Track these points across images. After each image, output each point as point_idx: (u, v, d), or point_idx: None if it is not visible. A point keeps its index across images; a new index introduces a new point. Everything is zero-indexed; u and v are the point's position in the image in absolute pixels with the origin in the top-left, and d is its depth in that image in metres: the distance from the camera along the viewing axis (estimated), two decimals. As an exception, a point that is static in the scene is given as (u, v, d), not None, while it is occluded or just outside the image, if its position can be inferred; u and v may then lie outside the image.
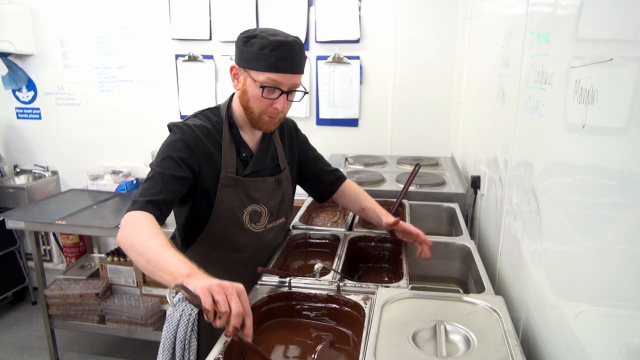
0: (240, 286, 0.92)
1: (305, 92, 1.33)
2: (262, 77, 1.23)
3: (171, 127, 1.29)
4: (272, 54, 1.20)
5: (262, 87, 1.23)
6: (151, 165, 1.24)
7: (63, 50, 3.25)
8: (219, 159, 1.31)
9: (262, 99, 1.25)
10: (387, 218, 1.47)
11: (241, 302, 0.90)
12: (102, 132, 3.34)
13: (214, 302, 0.86)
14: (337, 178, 1.61)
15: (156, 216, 1.13)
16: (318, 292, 1.20)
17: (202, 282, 0.89)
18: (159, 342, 1.44)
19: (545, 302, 1.00)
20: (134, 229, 1.09)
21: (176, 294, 1.51)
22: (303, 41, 2.79)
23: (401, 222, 1.44)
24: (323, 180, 1.59)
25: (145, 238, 1.05)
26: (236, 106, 1.35)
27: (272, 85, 1.23)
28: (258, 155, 1.38)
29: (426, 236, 1.42)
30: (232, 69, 1.32)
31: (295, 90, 1.29)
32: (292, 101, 1.30)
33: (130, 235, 1.08)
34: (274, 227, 1.43)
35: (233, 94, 1.38)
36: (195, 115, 1.37)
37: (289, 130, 1.54)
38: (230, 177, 1.31)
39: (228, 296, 0.88)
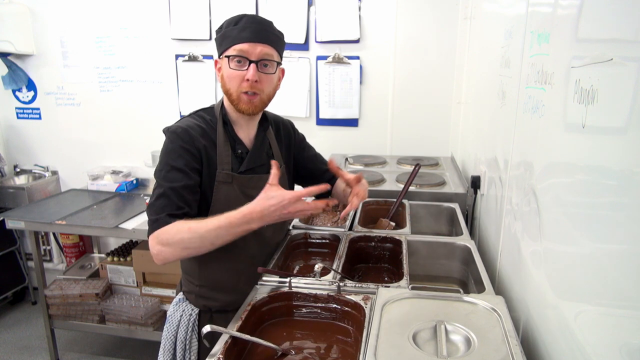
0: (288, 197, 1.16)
1: (278, 63, 1.34)
2: (230, 51, 1.27)
3: (166, 132, 1.30)
4: (235, 28, 1.27)
5: (228, 56, 1.27)
6: (156, 177, 1.25)
7: (63, 50, 3.25)
8: (215, 157, 1.31)
9: (234, 73, 1.27)
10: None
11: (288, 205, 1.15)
12: (102, 132, 3.34)
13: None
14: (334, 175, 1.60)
15: None
16: (318, 292, 1.20)
17: (262, 214, 1.16)
18: (159, 342, 1.44)
19: (545, 302, 1.00)
20: (179, 234, 1.16)
21: (176, 294, 1.52)
22: (303, 41, 2.85)
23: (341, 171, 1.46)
24: (322, 178, 1.59)
25: (194, 233, 1.15)
26: (228, 102, 1.35)
27: (239, 54, 1.26)
28: (253, 151, 1.39)
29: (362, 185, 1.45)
30: (216, 63, 1.35)
31: (268, 60, 1.29)
32: (266, 74, 1.30)
33: (177, 242, 1.17)
34: (272, 224, 1.43)
35: None
36: (189, 116, 1.38)
37: (286, 130, 1.54)
38: (227, 174, 1.32)
39: (282, 209, 1.15)
